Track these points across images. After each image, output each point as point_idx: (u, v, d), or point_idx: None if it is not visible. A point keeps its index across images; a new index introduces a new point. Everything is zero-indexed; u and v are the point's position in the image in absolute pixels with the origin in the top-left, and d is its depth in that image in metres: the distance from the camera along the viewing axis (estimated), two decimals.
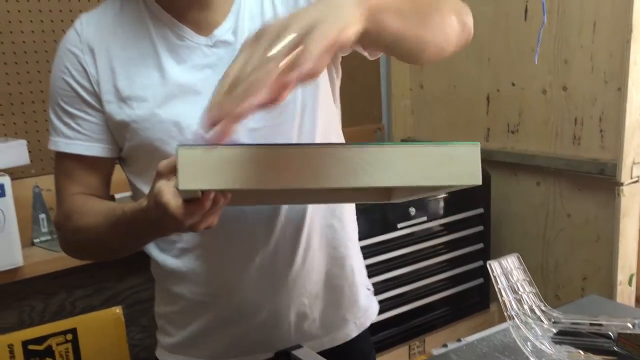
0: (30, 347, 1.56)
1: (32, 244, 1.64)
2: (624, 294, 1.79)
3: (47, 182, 1.64)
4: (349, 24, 0.63)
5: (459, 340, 1.06)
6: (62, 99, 0.92)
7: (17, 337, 1.55)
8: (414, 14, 0.74)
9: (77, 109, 0.91)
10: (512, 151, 2.04)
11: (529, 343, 0.91)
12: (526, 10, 1.92)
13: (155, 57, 0.89)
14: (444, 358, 0.99)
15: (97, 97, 0.90)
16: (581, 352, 0.87)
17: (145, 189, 0.88)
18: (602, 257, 1.84)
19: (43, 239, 1.65)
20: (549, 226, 1.98)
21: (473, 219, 1.98)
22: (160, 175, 0.70)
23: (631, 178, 1.74)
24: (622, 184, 1.73)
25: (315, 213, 0.95)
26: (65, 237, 0.96)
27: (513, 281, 0.95)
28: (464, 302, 2.01)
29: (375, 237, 1.78)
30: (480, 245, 2.00)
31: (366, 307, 1.06)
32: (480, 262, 2.00)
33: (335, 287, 1.00)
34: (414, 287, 1.89)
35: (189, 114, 0.87)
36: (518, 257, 0.97)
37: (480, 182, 0.64)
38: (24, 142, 1.46)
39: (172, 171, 0.69)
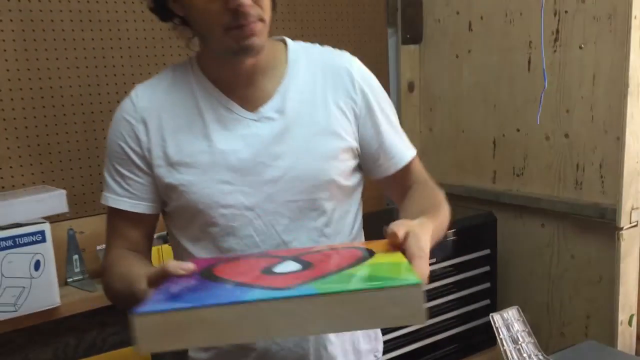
0: None
1: (66, 283, 1.74)
2: (625, 334, 1.87)
3: (80, 225, 1.75)
4: None
5: None
6: (116, 160, 1.04)
7: None
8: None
9: (128, 170, 1.03)
10: (517, 193, 2.14)
11: None
12: (529, 62, 2.04)
13: (202, 127, 1.00)
14: None
15: (147, 161, 1.02)
16: None
17: (186, 243, 1.03)
18: (604, 297, 1.92)
19: (76, 278, 1.74)
20: (553, 266, 2.07)
21: (480, 259, 2.07)
22: (147, 277, 0.80)
23: (630, 223, 1.83)
24: (621, 229, 1.82)
25: None
26: (104, 288, 1.08)
27: (513, 332, 1.05)
28: (472, 340, 2.09)
29: None
30: (487, 285, 2.09)
31: None
32: (487, 301, 2.09)
33: (348, 351, 1.09)
34: (423, 325, 1.98)
35: (232, 181, 0.98)
36: (518, 310, 1.07)
37: (424, 323, 0.64)
38: (63, 192, 1.58)
39: (156, 283, 0.77)
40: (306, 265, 0.77)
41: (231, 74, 1.01)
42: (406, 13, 2.33)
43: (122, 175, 1.04)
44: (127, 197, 1.04)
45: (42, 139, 1.71)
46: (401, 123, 1.13)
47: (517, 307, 1.07)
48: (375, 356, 1.15)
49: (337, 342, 1.06)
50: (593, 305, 1.96)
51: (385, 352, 1.89)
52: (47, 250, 1.55)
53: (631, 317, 1.85)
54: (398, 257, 0.76)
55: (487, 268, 2.08)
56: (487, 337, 2.12)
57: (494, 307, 2.10)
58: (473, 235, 2.07)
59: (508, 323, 1.05)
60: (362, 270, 0.72)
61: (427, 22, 2.36)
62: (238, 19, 0.92)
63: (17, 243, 1.50)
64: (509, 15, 2.08)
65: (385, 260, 0.75)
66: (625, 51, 1.76)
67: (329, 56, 1.08)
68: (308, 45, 1.09)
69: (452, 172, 2.35)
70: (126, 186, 1.04)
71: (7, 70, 1.63)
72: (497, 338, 1.04)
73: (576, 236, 1.99)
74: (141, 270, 0.87)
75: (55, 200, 1.56)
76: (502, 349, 1.03)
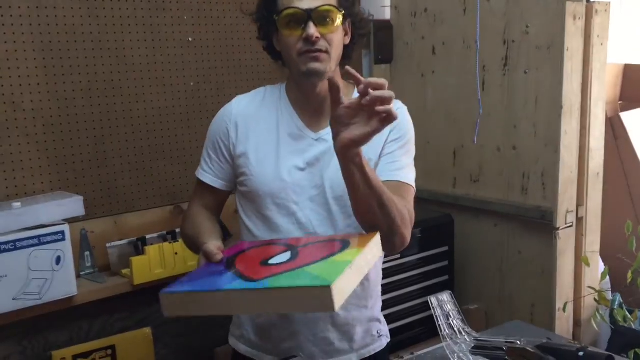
0: None
1: (79, 276, 1.99)
2: (562, 319, 2.17)
3: (91, 226, 2.01)
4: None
5: (411, 354, 1.44)
6: (210, 147, 1.42)
7: (69, 352, 1.92)
8: (369, 196, 1.16)
9: (216, 156, 1.41)
10: (474, 197, 2.43)
11: (455, 355, 1.30)
12: (483, 83, 2.33)
13: (277, 137, 1.34)
14: None
15: (231, 153, 1.38)
16: None
17: (246, 219, 1.39)
18: (546, 287, 2.20)
19: (87, 272, 1.99)
20: (504, 261, 2.36)
21: (440, 255, 2.37)
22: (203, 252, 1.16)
23: (566, 223, 2.13)
24: (558, 229, 2.12)
25: None
26: (181, 229, 1.46)
27: (446, 310, 1.34)
28: (433, 325, 2.38)
29: None
30: (446, 277, 2.39)
31: (368, 344, 1.43)
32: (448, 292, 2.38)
33: (352, 325, 1.38)
34: (393, 311, 2.26)
35: (287, 180, 1.31)
36: (450, 294, 1.36)
37: (335, 310, 0.91)
38: (81, 198, 1.84)
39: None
40: (294, 256, 1.10)
41: (306, 100, 1.34)
42: (378, 37, 2.62)
43: (211, 159, 1.42)
44: (210, 174, 1.42)
45: (59, 151, 1.96)
46: None
47: (449, 291, 1.35)
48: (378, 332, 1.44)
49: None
50: (537, 295, 2.25)
51: None
52: (66, 248, 1.81)
53: (565, 304, 2.15)
54: (352, 254, 1.05)
55: (446, 262, 2.38)
56: None
57: None
58: (434, 233, 2.36)
59: (442, 304, 1.33)
60: (315, 268, 1.01)
61: (397, 44, 2.64)
62: (308, 46, 1.25)
63: (41, 241, 1.77)
64: (466, 42, 2.37)
65: (340, 258, 1.04)
66: (559, 77, 2.05)
67: None
68: None
69: (419, 178, 2.60)
70: (212, 166, 1.42)
71: (30, 93, 1.90)
72: (434, 316, 1.32)
73: (522, 235, 2.28)
74: (205, 240, 1.24)
75: (74, 205, 1.82)
76: (437, 324, 1.31)
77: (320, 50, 1.26)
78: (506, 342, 1.26)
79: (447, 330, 1.31)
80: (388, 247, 1.20)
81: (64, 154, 1.97)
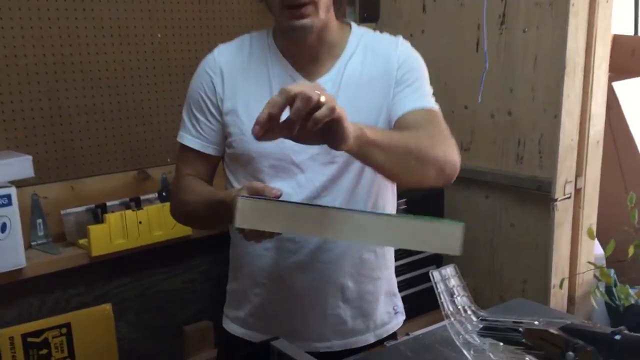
0: (29, 339, 1.73)
1: (30, 246, 1.79)
2: (557, 296, 2.04)
3: (44, 191, 1.80)
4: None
5: (407, 334, 1.28)
6: (194, 106, 1.23)
7: (17, 330, 1.72)
8: (397, 159, 1.00)
9: (203, 116, 1.22)
10: (464, 167, 2.21)
11: (460, 336, 1.13)
12: (477, 43, 2.16)
13: (269, 89, 1.17)
14: (394, 349, 1.21)
15: (219, 110, 1.20)
16: (500, 343, 1.10)
17: (235, 183, 1.23)
18: (540, 262, 2.08)
19: (40, 242, 1.79)
20: (495, 234, 2.22)
21: None
22: (249, 189, 0.95)
23: (564, 194, 1.99)
24: (556, 200, 1.98)
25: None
26: (175, 205, 1.28)
27: (450, 286, 1.17)
28: (421, 301, 2.23)
29: None
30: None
31: (386, 322, 1.31)
32: (434, 266, 2.23)
33: (366, 300, 1.24)
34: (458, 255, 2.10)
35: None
36: (455, 267, 1.19)
37: (459, 253, 0.82)
38: (29, 157, 1.63)
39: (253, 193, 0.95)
40: None
41: (297, 49, 1.18)
42: None
43: (197, 121, 1.22)
44: (199, 139, 1.23)
45: (7, 105, 1.74)
46: None
47: (454, 265, 1.19)
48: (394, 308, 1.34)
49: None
50: (529, 270, 2.12)
51: None
52: (13, 213, 1.60)
53: (562, 280, 2.02)
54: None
55: None
56: (434, 300, 2.27)
57: None
58: (423, 205, 2.20)
59: (445, 279, 1.17)
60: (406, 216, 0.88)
61: (384, 1, 2.45)
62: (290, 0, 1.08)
63: None
64: None
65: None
66: (563, 35, 1.89)
67: (381, 40, 1.23)
68: (368, 30, 1.25)
69: None
70: (200, 130, 1.23)
71: None
72: (436, 292, 1.16)
73: (516, 206, 2.14)
74: (225, 193, 1.11)
75: (22, 165, 1.61)
76: (439, 301, 1.15)
77: (305, 4, 1.09)
78: (517, 322, 1.10)
79: (450, 309, 1.14)
80: (443, 180, 1.12)
81: (12, 108, 1.75)
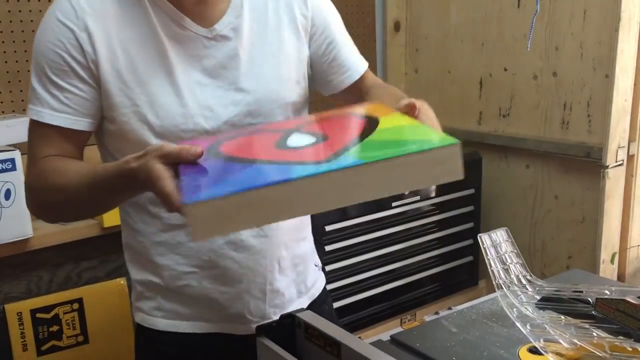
0: (39, 315, 1.62)
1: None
2: (607, 272, 1.87)
3: None
4: None
5: (449, 308, 1.13)
6: (53, 71, 0.91)
7: (26, 305, 1.62)
8: None
9: (68, 83, 0.91)
10: (503, 134, 2.11)
11: (514, 309, 0.99)
12: None
13: (157, 42, 0.92)
14: (436, 323, 1.07)
15: (93, 74, 0.91)
16: (562, 316, 0.95)
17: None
18: (586, 237, 1.91)
19: None
20: (537, 207, 2.05)
21: (464, 199, 2.05)
22: (161, 157, 0.74)
23: (616, 161, 1.82)
24: (607, 167, 1.80)
25: None
26: (38, 197, 0.96)
27: (501, 253, 1.02)
28: (454, 279, 2.09)
29: (369, 215, 1.84)
30: (470, 224, 2.08)
31: (315, 281, 1.15)
32: (470, 241, 2.08)
33: (297, 265, 1.09)
34: (406, 264, 1.96)
35: (192, 104, 0.93)
36: (507, 231, 1.04)
37: (462, 177, 0.66)
38: None
39: (174, 162, 0.74)
40: (319, 136, 0.76)
41: None
42: None
43: (60, 88, 0.91)
44: (66, 112, 0.92)
45: (13, 67, 1.63)
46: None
47: (506, 228, 1.04)
48: (315, 265, 1.17)
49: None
50: (574, 246, 1.96)
51: (367, 288, 1.88)
52: (17, 179, 1.48)
53: (613, 255, 1.85)
54: (403, 118, 0.78)
55: (471, 208, 2.07)
56: (470, 277, 2.12)
57: (477, 247, 2.10)
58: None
59: (496, 244, 1.02)
60: (384, 136, 0.70)
61: None
62: None
63: None
64: None
65: (395, 123, 0.76)
66: None
67: None
68: None
69: (438, 113, 2.28)
70: (65, 100, 0.92)
71: None
72: (485, 259, 1.01)
73: (560, 176, 1.97)
74: (110, 165, 0.83)
75: (24, 127, 1.47)
76: (489, 269, 1.00)
77: None
78: (584, 292, 0.95)
79: (503, 277, 0.99)
80: None
81: (18, 69, 1.63)
